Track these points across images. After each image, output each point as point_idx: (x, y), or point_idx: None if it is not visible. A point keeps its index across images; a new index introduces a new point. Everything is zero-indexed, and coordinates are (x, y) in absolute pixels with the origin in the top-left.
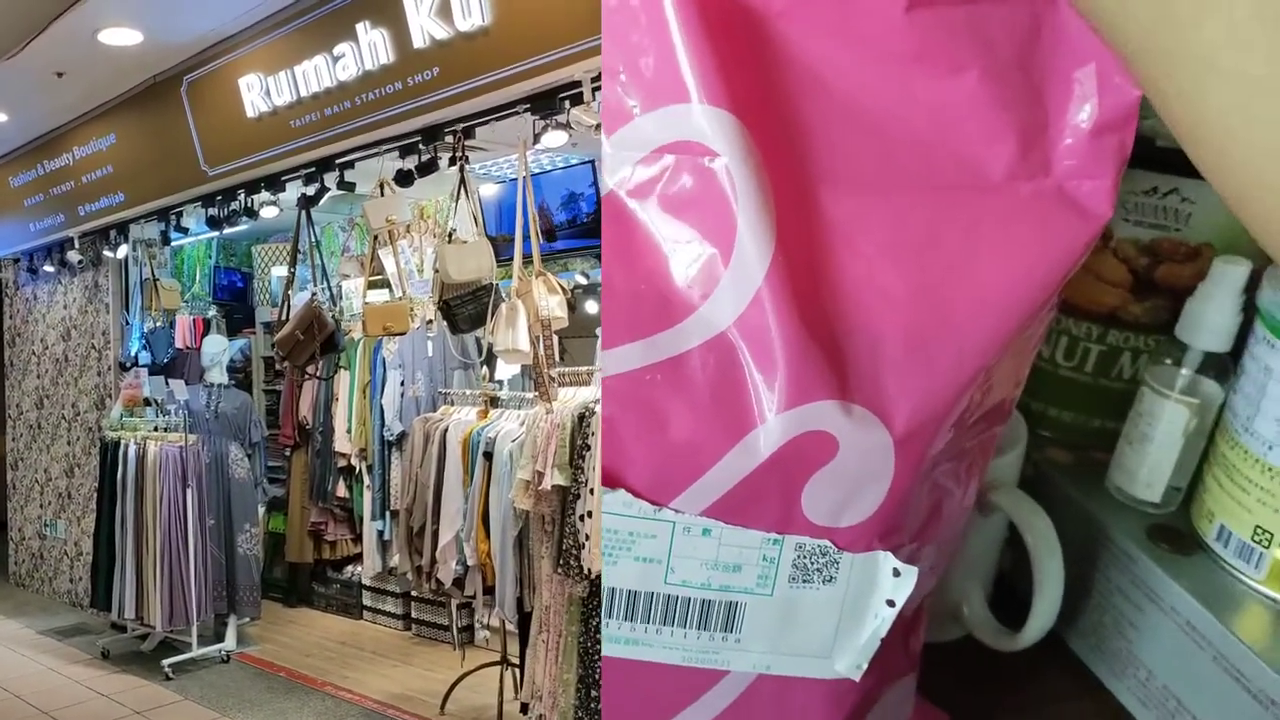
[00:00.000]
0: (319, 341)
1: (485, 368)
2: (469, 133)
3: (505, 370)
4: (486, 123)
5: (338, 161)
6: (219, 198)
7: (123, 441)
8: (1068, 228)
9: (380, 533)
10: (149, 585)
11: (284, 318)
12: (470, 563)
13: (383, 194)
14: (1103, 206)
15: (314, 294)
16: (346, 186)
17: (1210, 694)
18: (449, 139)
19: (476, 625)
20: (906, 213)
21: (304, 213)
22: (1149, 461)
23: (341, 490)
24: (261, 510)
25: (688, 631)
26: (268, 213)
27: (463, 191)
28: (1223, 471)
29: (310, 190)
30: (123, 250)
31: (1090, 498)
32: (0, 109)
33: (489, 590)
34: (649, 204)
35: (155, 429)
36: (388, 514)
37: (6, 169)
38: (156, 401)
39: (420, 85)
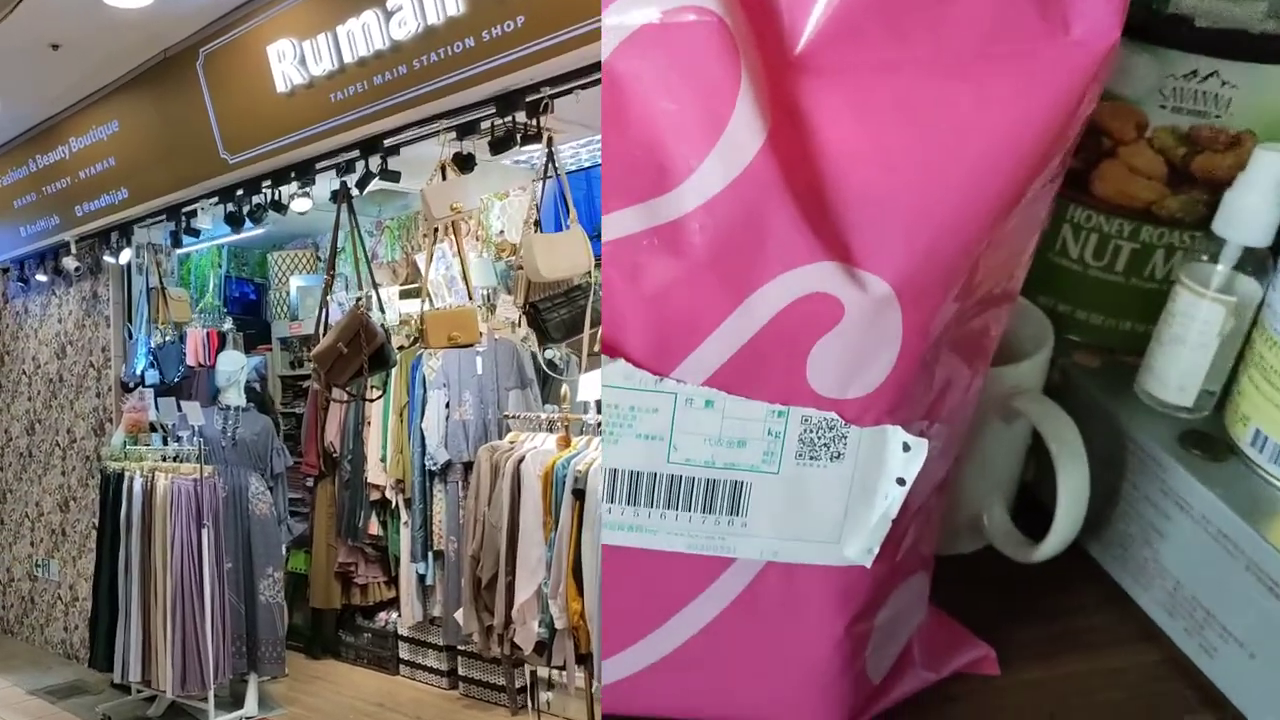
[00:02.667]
0: (366, 355)
1: (566, 387)
2: (547, 105)
3: (590, 390)
4: (574, 88)
5: (386, 142)
6: (239, 191)
7: (127, 473)
8: (1067, 64)
9: (421, 576)
10: (158, 642)
11: (322, 329)
12: (559, 625)
13: (444, 178)
14: (1107, 33)
15: (359, 300)
16: (390, 176)
17: (1242, 604)
18: (522, 111)
19: (540, 684)
20: (917, 73)
21: (345, 204)
22: (1182, 364)
23: (374, 527)
24: (283, 551)
25: (692, 515)
26: (299, 205)
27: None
28: (1259, 373)
29: (352, 178)
30: (125, 255)
31: (1118, 403)
32: None
33: (582, 659)
34: (645, 66)
35: (164, 459)
36: (430, 555)
37: None
38: (164, 427)
39: (497, 41)
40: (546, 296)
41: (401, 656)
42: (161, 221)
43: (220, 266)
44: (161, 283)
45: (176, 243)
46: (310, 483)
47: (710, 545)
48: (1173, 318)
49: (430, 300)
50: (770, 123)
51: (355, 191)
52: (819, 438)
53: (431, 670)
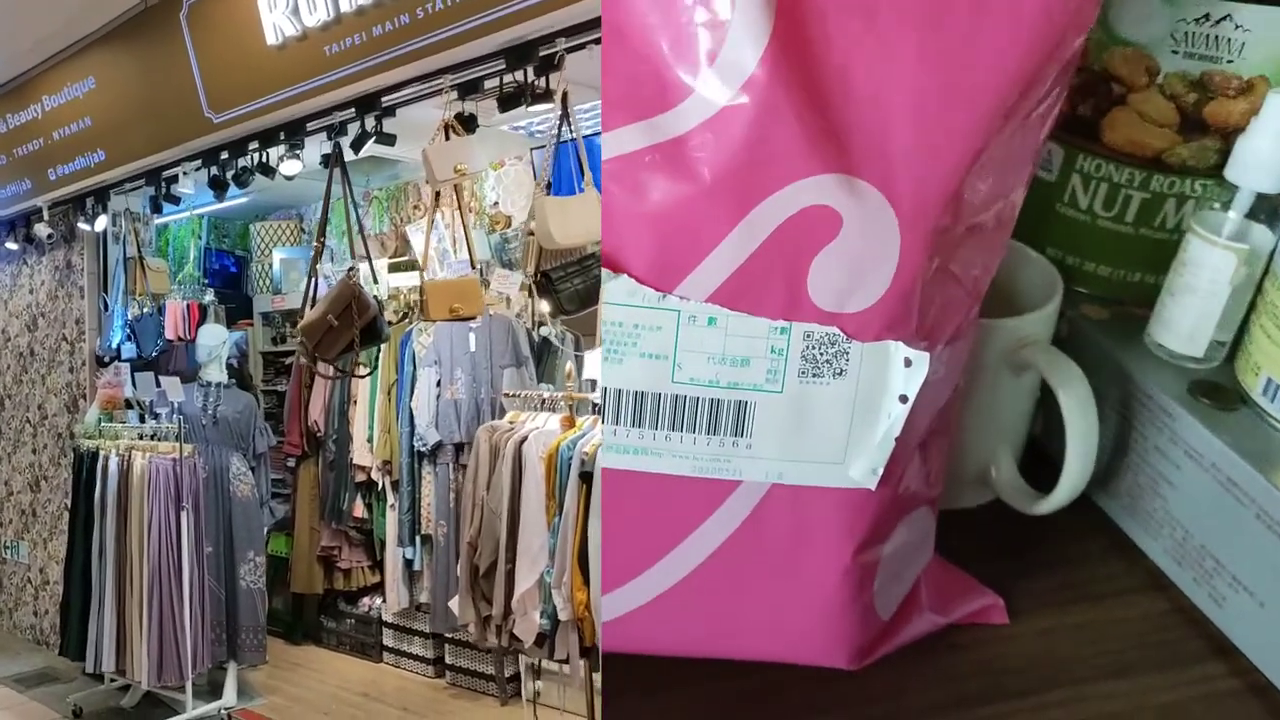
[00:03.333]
0: (358, 329)
1: (570, 364)
2: (560, 59)
3: (597, 367)
4: (590, 42)
5: (384, 100)
6: (224, 154)
7: (101, 452)
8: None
9: (408, 561)
10: (133, 630)
11: (310, 301)
12: (563, 617)
13: (448, 137)
14: None
15: (351, 269)
16: (386, 139)
17: (1252, 552)
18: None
19: (529, 672)
20: None
21: (339, 168)
22: (1193, 314)
23: (359, 510)
24: (265, 534)
25: (697, 437)
26: (289, 168)
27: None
28: (1272, 321)
29: (346, 140)
30: (101, 222)
31: (1127, 354)
32: None
33: (586, 652)
34: None
35: (140, 437)
36: (418, 539)
37: None
38: (140, 404)
39: None
40: (559, 265)
41: (386, 644)
42: (140, 187)
43: (200, 237)
44: (140, 252)
45: (156, 209)
46: (292, 463)
47: (715, 468)
48: (1184, 267)
49: (427, 270)
50: (771, 35)
51: (350, 154)
52: (821, 354)
53: (417, 658)
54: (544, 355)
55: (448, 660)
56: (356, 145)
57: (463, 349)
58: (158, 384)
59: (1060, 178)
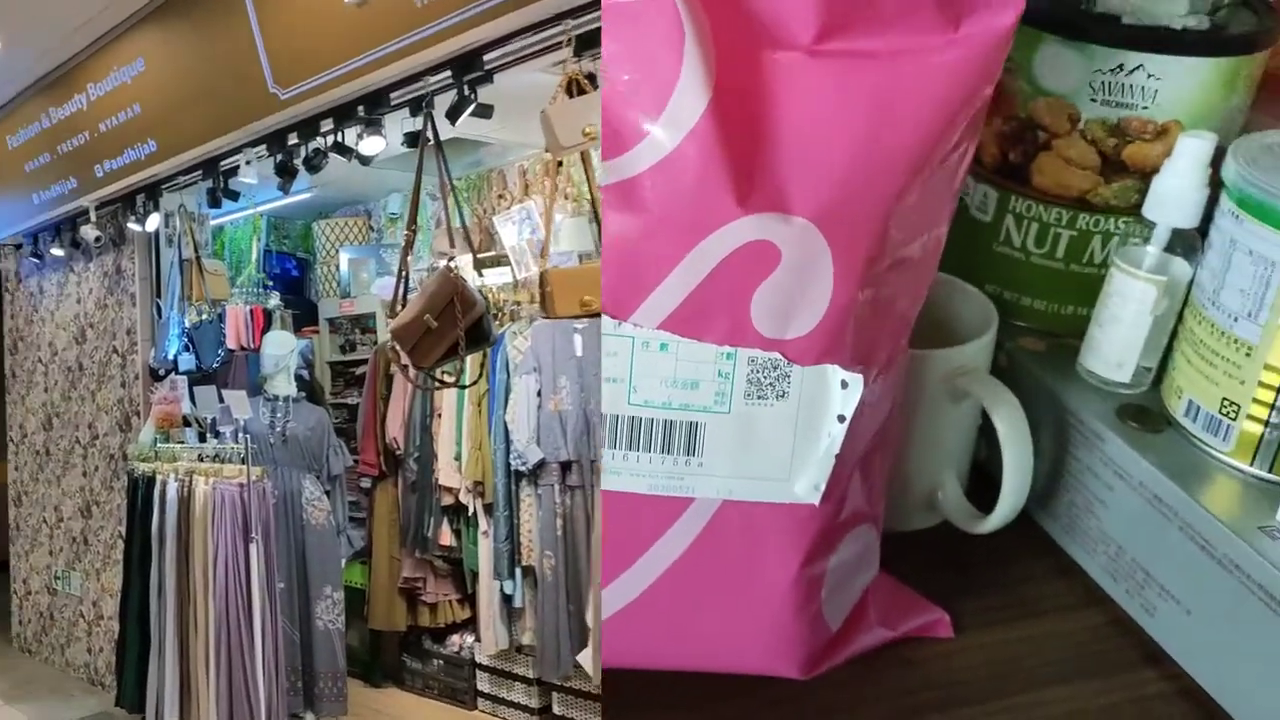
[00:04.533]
0: (463, 329)
1: None
2: None
3: None
4: None
5: (487, 59)
6: (292, 138)
7: (158, 476)
8: (958, 54)
9: (507, 597)
10: (198, 679)
11: (401, 300)
12: None
13: (571, 96)
14: (995, 31)
15: (450, 260)
16: (482, 111)
17: (1176, 563)
18: None
19: None
20: (849, 58)
21: (433, 143)
22: (1119, 342)
23: (446, 537)
24: (342, 566)
25: (653, 456)
26: (370, 146)
27: None
28: (1190, 347)
29: (435, 112)
30: (153, 221)
31: (1061, 382)
32: None
33: None
34: (618, 38)
35: (201, 458)
36: (518, 571)
37: (2, 127)
38: (199, 421)
39: None
40: None
41: (480, 689)
42: (196, 181)
43: (258, 241)
44: (196, 253)
45: (215, 203)
46: (368, 485)
47: (670, 485)
48: (1109, 298)
49: (528, 266)
50: (713, 91)
51: (446, 127)
52: (765, 377)
53: (519, 707)
54: None
55: (556, 710)
56: (453, 114)
57: (567, 353)
58: (220, 399)
59: (995, 219)
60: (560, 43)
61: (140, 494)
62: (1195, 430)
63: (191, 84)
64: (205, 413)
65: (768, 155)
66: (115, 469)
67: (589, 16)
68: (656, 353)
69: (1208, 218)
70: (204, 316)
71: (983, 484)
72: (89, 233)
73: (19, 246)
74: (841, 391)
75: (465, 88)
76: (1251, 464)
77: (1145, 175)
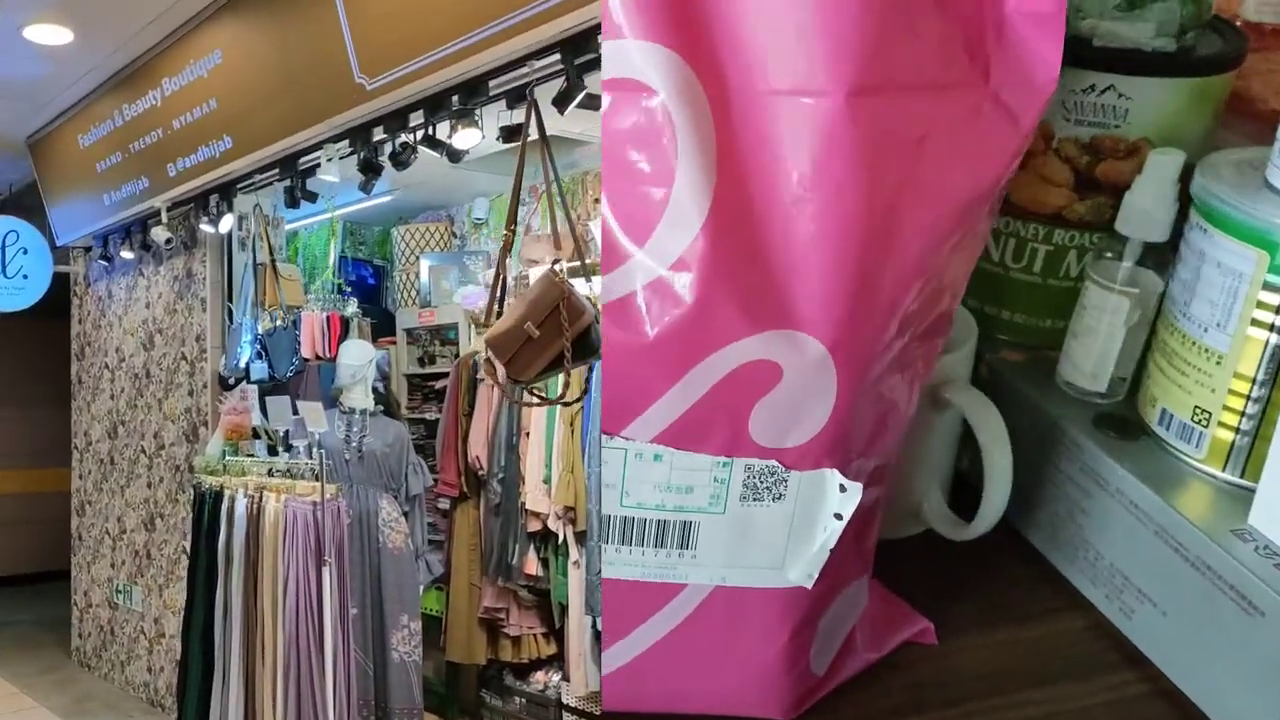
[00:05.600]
0: (569, 339)
1: None
2: None
3: None
4: None
5: (603, 39)
6: (378, 131)
7: (226, 491)
8: (1001, 136)
9: (599, 633)
10: (264, 709)
11: (498, 306)
12: None
13: None
14: (1029, 117)
15: (555, 264)
16: (590, 102)
17: (1152, 567)
18: None
19: None
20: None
21: (538, 134)
22: (1094, 353)
23: (532, 565)
24: (420, 593)
25: (645, 549)
26: (464, 140)
27: None
28: (1163, 357)
29: (544, 99)
30: (226, 223)
31: (1040, 392)
32: (65, 22)
33: None
34: (614, 139)
35: (271, 473)
36: None
37: (74, 125)
38: (270, 433)
39: None
40: None
41: None
42: (272, 180)
43: (335, 247)
44: (272, 256)
45: (292, 203)
46: (447, 505)
47: (662, 574)
48: (1084, 311)
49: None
50: (713, 201)
51: (554, 116)
52: (761, 482)
53: None
54: None
55: None
56: (561, 102)
57: None
58: (295, 410)
59: None
60: None
61: (207, 508)
62: (1169, 438)
63: (271, 76)
64: (278, 425)
65: (771, 267)
66: (181, 481)
67: None
68: (650, 462)
69: (1178, 232)
70: (278, 323)
71: (965, 493)
72: (160, 234)
73: (88, 250)
74: (840, 495)
75: (574, 73)
76: (1223, 470)
77: (1117, 191)
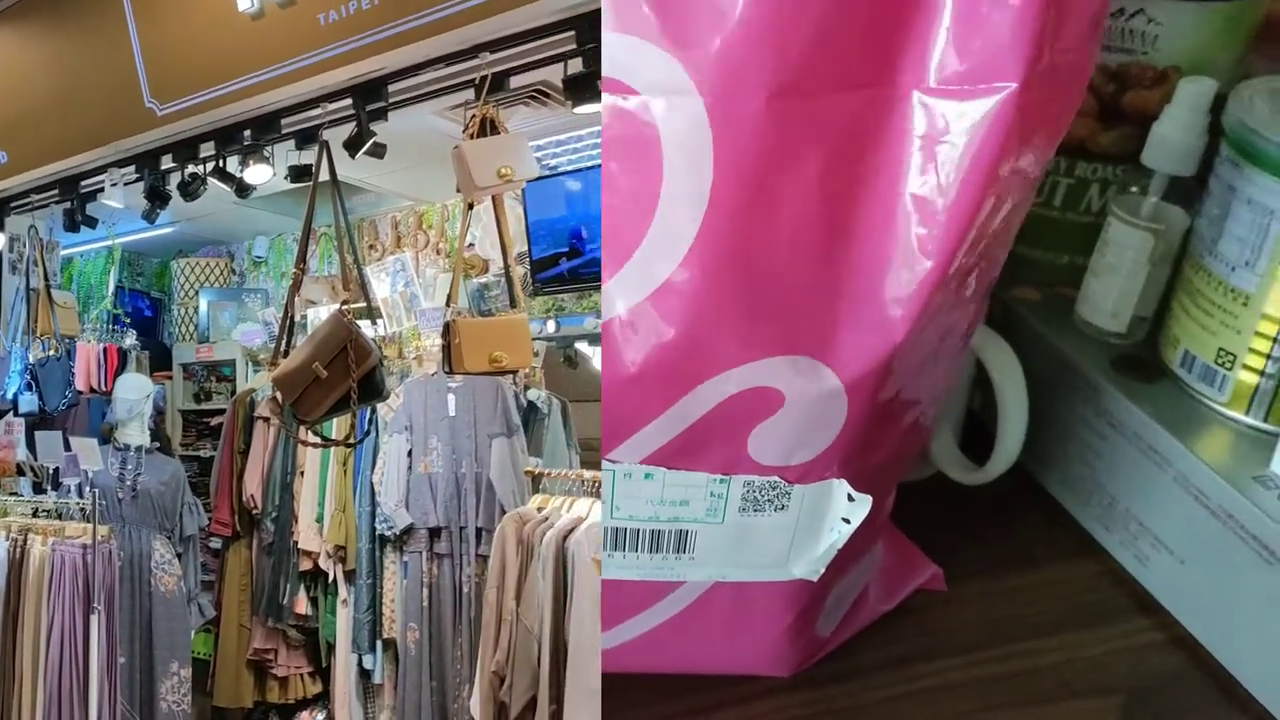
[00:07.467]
0: (355, 380)
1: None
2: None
3: None
4: None
5: (392, 89)
6: (167, 159)
7: None
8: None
9: (366, 672)
10: None
11: (286, 344)
12: None
13: (485, 134)
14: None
15: (344, 305)
16: (376, 150)
17: (1170, 513)
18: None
19: None
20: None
21: (329, 176)
22: (1115, 292)
23: (302, 605)
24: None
25: (640, 554)
26: (255, 175)
27: None
28: (1188, 297)
29: (334, 141)
30: None
31: (1057, 332)
32: None
33: None
34: (610, 153)
35: (36, 513)
36: (379, 644)
37: None
38: (35, 470)
39: None
40: None
41: None
42: (51, 201)
43: (111, 278)
44: (47, 282)
45: (72, 228)
46: (218, 545)
47: (659, 574)
48: (1106, 247)
49: (400, 321)
50: (702, 223)
51: (344, 159)
52: (762, 495)
53: None
54: (529, 422)
55: None
56: (352, 146)
57: (440, 413)
58: (67, 446)
59: None
60: (471, 80)
61: None
62: (1191, 380)
63: (55, 90)
64: (47, 461)
65: (770, 287)
66: None
67: (508, 52)
68: (640, 480)
69: (1206, 166)
70: (51, 353)
71: (976, 435)
72: None
73: None
74: (848, 503)
75: (365, 119)
76: (1246, 414)
77: (1144, 122)
